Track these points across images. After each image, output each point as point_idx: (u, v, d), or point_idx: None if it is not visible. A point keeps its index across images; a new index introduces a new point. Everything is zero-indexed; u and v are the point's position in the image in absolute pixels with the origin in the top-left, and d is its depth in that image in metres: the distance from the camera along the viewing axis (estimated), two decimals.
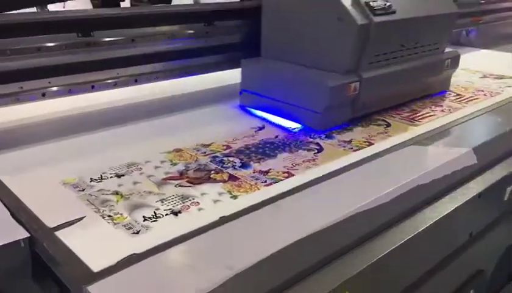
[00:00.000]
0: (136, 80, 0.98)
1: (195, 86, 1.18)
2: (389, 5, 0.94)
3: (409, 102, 1.10)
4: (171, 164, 0.78)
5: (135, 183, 0.72)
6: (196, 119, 1.01)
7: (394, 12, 0.95)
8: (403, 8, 0.98)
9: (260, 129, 0.94)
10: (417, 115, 1.05)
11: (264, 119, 0.99)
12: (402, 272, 0.72)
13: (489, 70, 1.44)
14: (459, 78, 1.31)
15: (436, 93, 1.19)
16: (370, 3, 0.91)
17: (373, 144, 0.89)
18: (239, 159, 0.81)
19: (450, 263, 0.83)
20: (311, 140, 0.90)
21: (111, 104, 1.05)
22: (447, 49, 1.17)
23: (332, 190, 0.72)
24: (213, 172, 0.76)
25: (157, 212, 0.64)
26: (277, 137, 0.90)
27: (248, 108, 1.04)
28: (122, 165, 0.77)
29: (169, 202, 0.66)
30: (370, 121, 1.00)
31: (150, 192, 0.69)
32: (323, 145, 0.88)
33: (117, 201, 0.67)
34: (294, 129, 0.94)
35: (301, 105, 0.94)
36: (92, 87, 0.91)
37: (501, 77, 1.37)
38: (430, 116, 1.04)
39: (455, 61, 1.18)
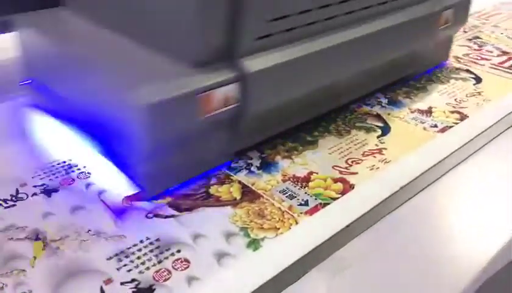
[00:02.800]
0: None
1: None
2: None
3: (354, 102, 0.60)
4: None
5: (73, 211, 0.40)
6: None
7: None
8: None
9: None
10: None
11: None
12: None
13: None
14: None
15: (419, 72, 0.66)
16: None
17: (466, 117, 0.56)
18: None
19: None
20: (365, 109, 0.57)
21: None
22: None
23: None
24: (213, 181, 0.44)
25: None
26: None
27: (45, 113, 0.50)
28: (54, 167, 0.45)
29: (133, 264, 0.35)
30: (448, 72, 0.66)
31: (99, 233, 0.38)
32: (389, 120, 0.55)
33: (32, 262, 0.35)
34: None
35: (106, 136, 0.43)
36: None
37: None
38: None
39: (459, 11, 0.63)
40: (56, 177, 0.44)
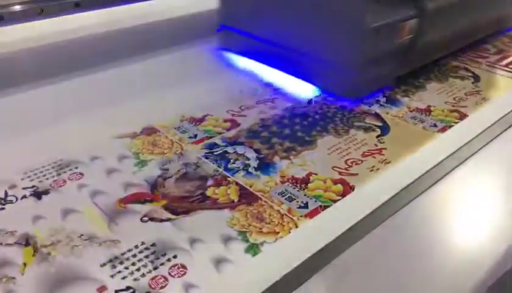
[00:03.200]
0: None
1: (142, 16, 0.78)
2: None
3: (477, 44, 0.75)
4: (137, 163, 0.45)
5: (65, 214, 0.39)
6: (158, 71, 0.64)
7: None
8: None
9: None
10: (510, 58, 0.70)
11: (256, 77, 0.63)
12: None
13: None
14: None
15: (507, 27, 0.82)
16: None
17: (466, 116, 0.55)
18: (254, 149, 0.47)
19: None
20: (363, 108, 0.56)
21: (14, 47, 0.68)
22: None
23: None
24: (210, 183, 0.42)
25: None
26: (293, 108, 0.56)
27: (232, 55, 0.66)
28: (45, 167, 0.43)
29: (128, 270, 0.34)
30: (446, 69, 0.66)
31: (92, 238, 0.36)
32: (387, 119, 0.54)
33: (22, 268, 0.34)
34: (314, 96, 0.59)
35: (319, 57, 0.57)
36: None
37: None
38: None
39: None
40: None
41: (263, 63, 0.64)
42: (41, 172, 0.43)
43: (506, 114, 0.55)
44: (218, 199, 0.41)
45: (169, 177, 0.43)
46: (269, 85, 0.60)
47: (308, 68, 0.59)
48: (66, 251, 0.35)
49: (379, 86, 0.59)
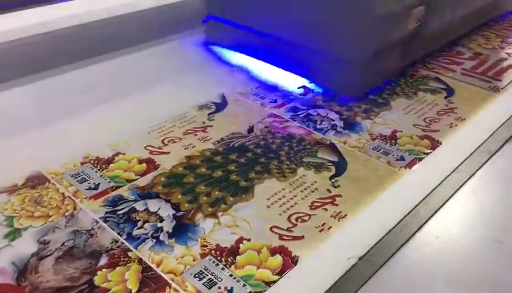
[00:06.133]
0: None
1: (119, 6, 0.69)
2: None
3: (450, 46, 0.65)
4: (8, 233, 0.33)
5: None
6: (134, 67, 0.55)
7: None
8: None
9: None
10: (487, 64, 0.61)
11: (250, 74, 0.54)
12: None
13: None
14: None
15: (494, 16, 0.74)
16: None
17: (439, 143, 0.45)
18: (172, 204, 0.36)
19: None
20: (316, 137, 0.45)
21: None
22: None
23: None
24: (103, 262, 0.31)
25: None
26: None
27: (219, 49, 0.58)
28: None
29: None
30: (415, 81, 0.56)
31: None
32: (344, 152, 0.44)
33: None
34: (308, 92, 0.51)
35: (320, 49, 0.49)
36: None
37: None
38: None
39: None
40: None
41: (254, 57, 0.56)
42: None
43: (485, 140, 0.46)
44: (110, 290, 0.30)
45: (48, 256, 0.32)
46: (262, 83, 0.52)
47: (305, 62, 0.52)
48: None
49: (380, 81, 0.54)
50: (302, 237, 0.34)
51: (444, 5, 0.53)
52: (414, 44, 0.52)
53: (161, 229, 0.34)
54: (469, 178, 0.42)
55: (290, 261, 0.32)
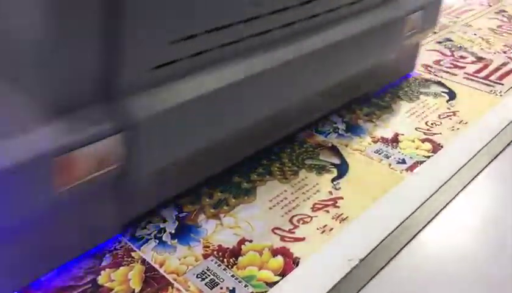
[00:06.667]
0: None
1: None
2: None
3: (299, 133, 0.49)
4: None
5: None
6: None
7: None
8: None
9: None
10: (490, 66, 0.61)
11: None
12: None
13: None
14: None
15: (383, 86, 0.56)
16: None
17: (440, 147, 0.46)
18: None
19: None
20: (318, 139, 0.46)
21: None
22: None
23: None
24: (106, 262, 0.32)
25: None
26: None
27: None
28: None
29: None
30: (415, 85, 0.56)
31: None
32: (346, 154, 0.44)
33: None
34: None
35: None
36: None
37: None
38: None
39: (427, 16, 0.51)
40: None
41: None
42: None
43: (487, 143, 0.46)
44: (114, 288, 0.30)
45: None
46: None
47: None
48: None
49: (91, 246, 0.32)
50: (304, 238, 0.35)
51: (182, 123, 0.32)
52: (140, 186, 0.32)
53: (164, 229, 0.35)
54: (471, 181, 0.42)
55: (291, 262, 0.33)
